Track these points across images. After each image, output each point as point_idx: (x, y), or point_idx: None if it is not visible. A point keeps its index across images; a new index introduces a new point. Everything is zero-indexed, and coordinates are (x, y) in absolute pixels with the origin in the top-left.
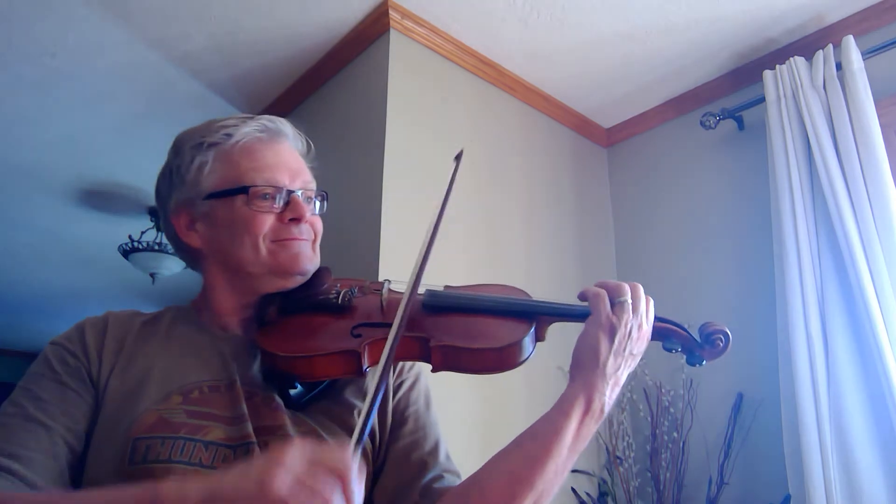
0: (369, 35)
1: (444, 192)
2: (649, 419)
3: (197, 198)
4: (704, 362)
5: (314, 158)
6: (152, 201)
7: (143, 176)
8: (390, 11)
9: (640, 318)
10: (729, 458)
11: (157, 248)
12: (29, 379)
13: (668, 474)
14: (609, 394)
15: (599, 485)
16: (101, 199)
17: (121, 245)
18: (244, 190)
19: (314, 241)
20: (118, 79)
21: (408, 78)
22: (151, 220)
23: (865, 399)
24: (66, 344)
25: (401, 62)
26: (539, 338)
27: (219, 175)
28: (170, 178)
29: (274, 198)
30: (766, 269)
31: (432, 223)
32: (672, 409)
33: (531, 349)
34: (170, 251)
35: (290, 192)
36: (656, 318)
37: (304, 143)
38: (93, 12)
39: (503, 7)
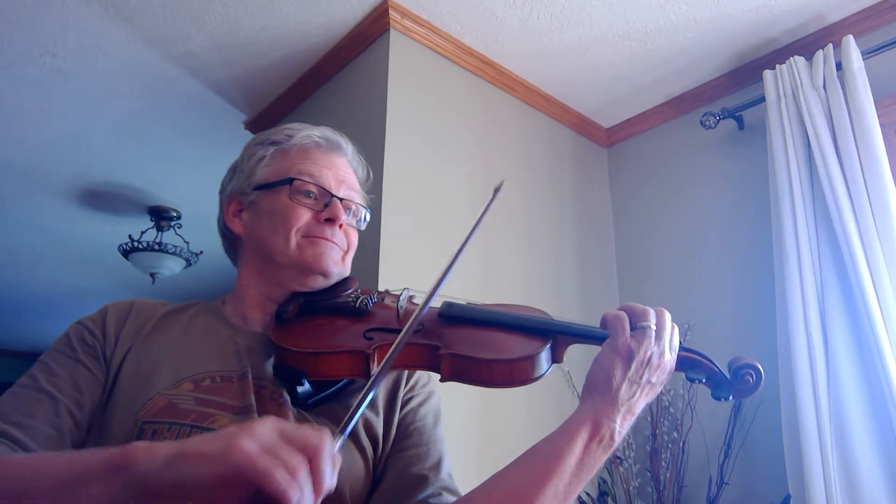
0: (369, 35)
1: (477, 218)
2: (649, 419)
3: (248, 187)
4: (732, 398)
5: (370, 189)
6: (152, 201)
7: (143, 176)
8: (390, 11)
9: (663, 347)
10: (729, 458)
11: (157, 248)
12: (48, 354)
13: (668, 474)
14: (620, 421)
15: (599, 484)
16: (101, 199)
17: (121, 245)
18: (290, 181)
19: (346, 253)
20: (118, 79)
21: (408, 78)
22: (151, 220)
23: (865, 399)
24: (87, 324)
25: (401, 62)
26: (556, 358)
27: (272, 169)
28: (233, 171)
29: (316, 197)
30: (766, 269)
31: (461, 243)
32: (672, 409)
33: (546, 367)
34: (170, 251)
35: (332, 196)
36: (681, 348)
37: (364, 169)
38: (93, 12)
39: (503, 7)
